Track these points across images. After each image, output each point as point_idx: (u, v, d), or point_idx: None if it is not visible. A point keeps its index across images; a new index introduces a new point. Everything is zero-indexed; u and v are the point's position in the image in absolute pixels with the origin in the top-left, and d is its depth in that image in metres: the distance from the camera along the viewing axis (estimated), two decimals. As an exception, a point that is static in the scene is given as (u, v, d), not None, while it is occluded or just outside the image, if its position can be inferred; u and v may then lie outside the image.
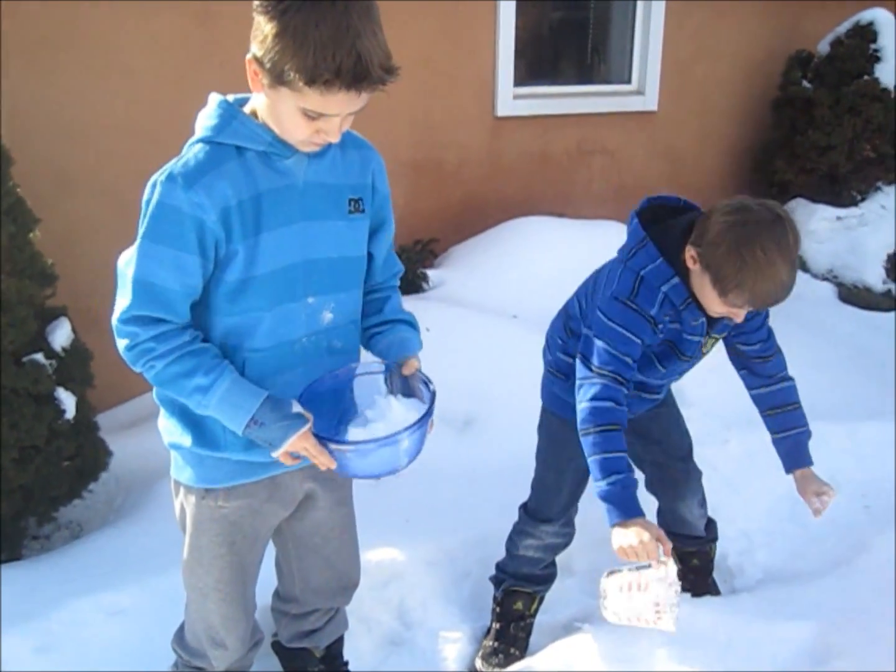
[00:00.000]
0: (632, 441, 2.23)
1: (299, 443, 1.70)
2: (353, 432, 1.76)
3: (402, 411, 1.76)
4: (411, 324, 2.00)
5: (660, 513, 2.71)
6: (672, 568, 2.00)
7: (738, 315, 2.06)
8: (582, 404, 2.09)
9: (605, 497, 2.02)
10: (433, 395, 1.76)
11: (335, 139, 1.65)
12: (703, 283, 2.01)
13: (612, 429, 2.04)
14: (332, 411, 1.82)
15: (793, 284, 1.95)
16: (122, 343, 1.69)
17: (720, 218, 1.95)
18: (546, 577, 2.66)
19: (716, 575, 2.85)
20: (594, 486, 2.07)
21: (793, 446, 2.36)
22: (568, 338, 2.37)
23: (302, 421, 1.71)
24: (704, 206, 2.10)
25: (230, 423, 1.72)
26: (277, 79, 1.53)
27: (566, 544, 2.63)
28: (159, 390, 1.84)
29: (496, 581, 2.69)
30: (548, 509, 2.53)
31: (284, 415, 1.71)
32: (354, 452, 1.69)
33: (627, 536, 1.98)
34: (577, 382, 2.13)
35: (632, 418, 2.22)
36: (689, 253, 2.01)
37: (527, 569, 2.61)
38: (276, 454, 1.73)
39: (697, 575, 2.78)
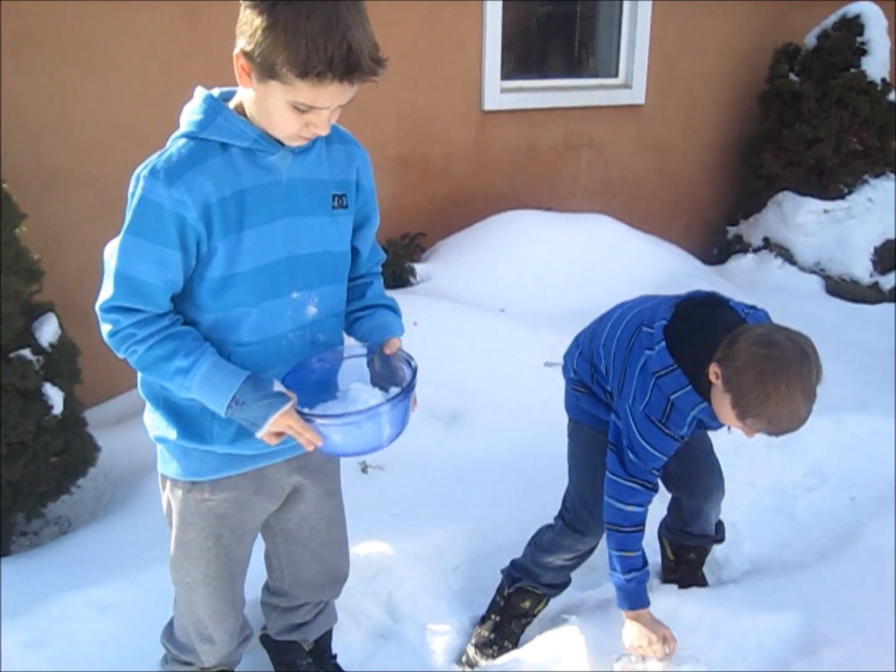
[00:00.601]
0: None
1: (282, 421, 1.70)
2: (329, 409, 1.77)
3: (371, 396, 1.77)
4: (393, 308, 2.01)
5: (679, 508, 2.68)
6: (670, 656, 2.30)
7: (751, 435, 2.10)
8: (613, 501, 2.24)
9: (621, 588, 2.27)
10: (414, 370, 1.77)
11: (324, 132, 1.66)
12: (723, 402, 2.04)
13: (636, 531, 2.25)
14: (317, 396, 1.82)
15: (808, 417, 2.03)
16: (105, 328, 1.71)
17: (749, 347, 1.99)
18: (564, 584, 2.66)
19: (704, 567, 2.86)
20: (610, 573, 2.30)
21: None
22: (593, 383, 2.41)
23: (284, 399, 1.71)
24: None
25: (212, 405, 1.72)
26: (268, 73, 1.54)
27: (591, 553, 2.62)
28: (144, 384, 1.85)
29: (510, 578, 2.66)
30: (589, 517, 2.49)
31: (266, 394, 1.71)
32: (337, 427, 1.69)
33: (641, 637, 2.26)
34: (609, 475, 2.25)
35: None
36: (714, 369, 2.05)
37: (550, 577, 2.60)
38: (260, 434, 1.73)
39: (690, 567, 2.79)
